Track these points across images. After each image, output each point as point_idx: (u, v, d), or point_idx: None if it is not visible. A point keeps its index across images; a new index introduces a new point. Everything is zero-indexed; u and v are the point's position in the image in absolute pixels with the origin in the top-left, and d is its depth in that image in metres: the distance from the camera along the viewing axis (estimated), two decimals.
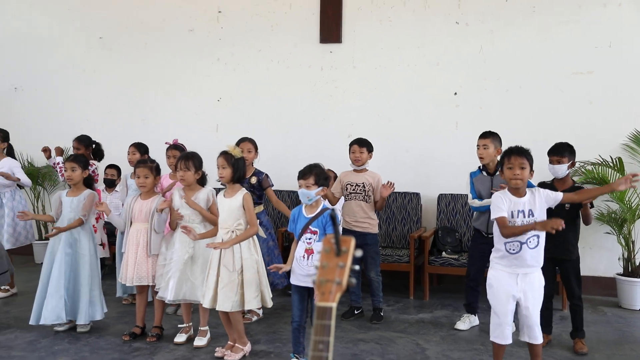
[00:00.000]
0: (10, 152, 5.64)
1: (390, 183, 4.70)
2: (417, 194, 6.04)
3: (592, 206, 4.12)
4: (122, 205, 6.45)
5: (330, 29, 6.32)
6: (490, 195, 4.45)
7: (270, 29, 6.54)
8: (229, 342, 3.98)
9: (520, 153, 3.33)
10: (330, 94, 6.39)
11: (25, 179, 5.60)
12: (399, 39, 6.16)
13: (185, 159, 4.08)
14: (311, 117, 6.43)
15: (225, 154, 3.87)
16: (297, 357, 3.68)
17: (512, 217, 3.33)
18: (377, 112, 6.25)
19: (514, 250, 3.33)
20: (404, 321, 4.85)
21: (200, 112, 6.81)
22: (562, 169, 4.12)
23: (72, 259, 4.37)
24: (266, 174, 4.86)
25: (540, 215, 3.34)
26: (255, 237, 4.00)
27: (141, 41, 6.97)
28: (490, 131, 4.52)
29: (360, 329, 4.65)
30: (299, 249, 3.61)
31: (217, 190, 4.28)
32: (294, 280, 3.63)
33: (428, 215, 6.11)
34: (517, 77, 5.84)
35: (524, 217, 3.33)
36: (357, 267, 1.53)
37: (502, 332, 3.39)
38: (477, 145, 4.53)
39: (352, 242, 1.55)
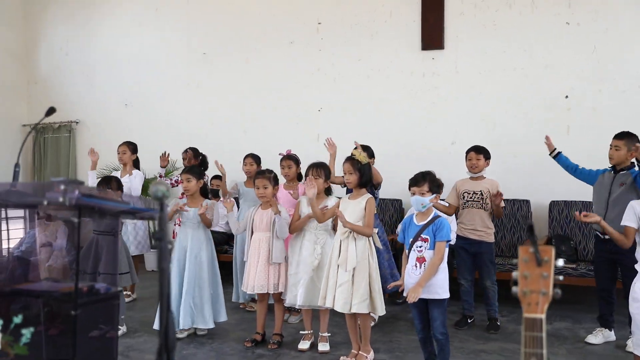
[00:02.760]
0: (137, 165, 5.95)
1: (499, 193, 4.65)
2: (527, 201, 5.86)
3: None
4: (227, 214, 6.71)
5: (432, 35, 6.27)
6: (608, 193, 4.29)
7: (370, 38, 6.57)
8: (352, 351, 4.00)
9: None
10: (432, 101, 6.33)
11: (135, 187, 5.77)
12: (504, 43, 6.02)
13: (317, 167, 4.17)
14: (413, 124, 6.39)
15: (351, 160, 3.91)
16: None
17: None
18: (481, 117, 6.13)
19: None
20: None
21: (300, 122, 6.93)
22: None
23: (195, 267, 4.53)
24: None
25: None
26: (372, 242, 4.00)
27: (243, 54, 7.20)
28: (627, 132, 4.30)
29: (478, 339, 4.55)
30: (410, 259, 3.55)
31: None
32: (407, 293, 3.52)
33: (539, 223, 5.90)
34: (636, 77, 5.55)
35: None
36: (561, 278, 1.49)
37: None
38: (610, 145, 4.36)
39: (553, 251, 1.51)
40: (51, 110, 2.36)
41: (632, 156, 4.24)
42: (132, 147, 5.91)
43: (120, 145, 5.98)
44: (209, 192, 5.07)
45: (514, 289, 1.48)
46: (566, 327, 4.84)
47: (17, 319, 1.48)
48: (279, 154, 5.20)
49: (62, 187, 1.64)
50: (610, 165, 4.44)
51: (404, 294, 3.54)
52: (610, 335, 4.41)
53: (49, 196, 1.68)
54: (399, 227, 5.76)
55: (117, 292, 1.98)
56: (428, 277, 3.41)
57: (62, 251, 4.95)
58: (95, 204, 1.76)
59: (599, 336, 4.38)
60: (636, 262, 3.30)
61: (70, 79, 8.20)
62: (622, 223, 3.34)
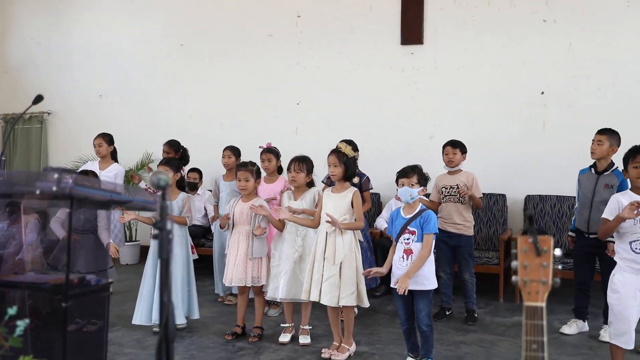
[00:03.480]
0: (114, 156, 5.81)
1: (464, 189, 4.77)
2: (503, 196, 5.95)
3: None
4: (205, 208, 6.67)
5: (412, 30, 6.30)
6: (592, 194, 4.35)
7: (350, 32, 6.57)
8: (334, 343, 4.01)
9: None
10: (411, 95, 6.37)
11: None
12: (483, 39, 6.09)
13: (299, 161, 4.15)
14: (392, 119, 6.42)
15: (337, 153, 3.92)
16: (411, 357, 3.68)
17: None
18: (460, 113, 6.19)
19: (638, 249, 3.22)
20: (501, 324, 4.78)
21: (279, 115, 6.90)
22: None
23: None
24: (368, 177, 4.90)
25: None
26: (357, 235, 4.02)
27: (221, 47, 7.13)
28: (609, 128, 4.38)
29: (457, 331, 4.61)
30: (397, 251, 3.60)
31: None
32: (395, 284, 3.58)
33: (514, 217, 6.00)
34: (610, 75, 5.68)
35: None
36: (559, 267, 1.52)
37: (629, 338, 3.27)
38: (592, 141, 4.41)
39: (552, 241, 1.54)
40: (38, 99, 2.30)
41: (613, 152, 4.32)
42: (107, 138, 5.78)
43: (95, 138, 5.86)
44: (185, 185, 5.02)
45: (514, 278, 1.51)
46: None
47: (12, 311, 1.44)
48: (259, 147, 5.18)
49: (55, 175, 1.60)
50: (591, 164, 4.49)
51: (392, 284, 3.57)
52: (584, 326, 4.52)
53: (41, 185, 1.64)
54: (377, 220, 5.83)
55: (108, 284, 1.94)
56: (416, 269, 3.45)
57: (33, 245, 4.84)
58: (89, 194, 1.72)
59: (573, 327, 4.48)
60: None
61: (42, 69, 8.01)
62: (603, 215, 3.42)
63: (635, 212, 3.13)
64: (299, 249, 4.14)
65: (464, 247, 4.85)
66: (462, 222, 4.86)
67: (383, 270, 3.64)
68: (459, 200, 4.85)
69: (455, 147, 4.93)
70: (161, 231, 1.48)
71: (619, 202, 3.32)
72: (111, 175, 5.53)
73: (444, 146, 5.00)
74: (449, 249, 4.88)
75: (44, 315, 2.00)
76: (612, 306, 3.32)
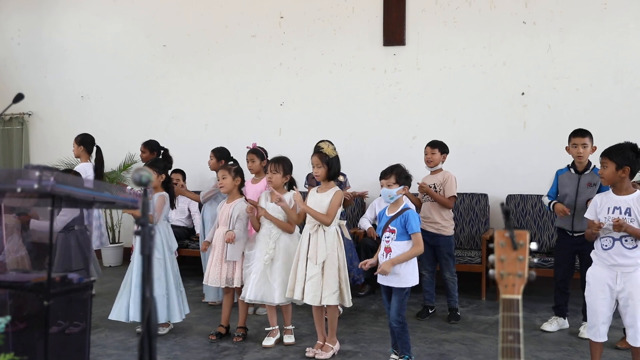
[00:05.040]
0: (99, 156, 5.70)
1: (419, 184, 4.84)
2: (485, 195, 6.01)
3: None
4: (188, 209, 6.66)
5: (394, 31, 6.35)
6: (576, 194, 4.41)
7: (332, 33, 6.60)
8: (318, 342, 4.03)
9: (602, 154, 3.40)
10: (394, 96, 6.42)
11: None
12: (464, 40, 6.16)
13: (276, 161, 4.16)
14: (375, 119, 6.46)
15: (319, 153, 3.94)
16: (395, 353, 3.72)
17: (608, 212, 3.31)
18: (442, 113, 6.25)
19: (606, 246, 3.30)
20: (483, 322, 4.84)
21: (262, 116, 6.91)
22: None
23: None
24: (345, 177, 4.94)
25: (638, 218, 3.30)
26: (341, 234, 4.05)
27: (204, 48, 7.12)
28: (585, 129, 4.42)
29: (440, 329, 4.65)
30: (380, 248, 3.69)
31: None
32: (380, 280, 3.68)
33: (496, 217, 6.07)
34: (588, 75, 5.78)
35: (620, 214, 3.29)
36: (535, 260, 1.56)
37: (598, 330, 3.34)
38: (575, 144, 4.40)
39: (527, 235, 1.57)
40: (19, 97, 2.28)
41: (593, 151, 4.37)
42: (79, 139, 5.68)
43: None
44: (172, 188, 4.99)
45: (491, 271, 1.54)
46: (522, 315, 4.98)
47: None
48: (246, 147, 5.19)
49: (37, 173, 1.59)
50: (569, 164, 4.53)
51: (378, 281, 3.67)
52: (564, 323, 4.59)
53: (22, 183, 1.63)
54: (361, 220, 5.86)
55: (90, 282, 1.93)
56: (404, 259, 3.55)
57: (14, 246, 4.79)
58: (71, 192, 1.72)
59: (554, 324, 4.54)
60: None
61: (22, 69, 7.92)
62: (585, 215, 3.50)
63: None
64: (270, 251, 4.13)
65: (443, 247, 4.89)
66: (442, 221, 4.88)
67: (373, 260, 3.70)
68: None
69: (434, 147, 4.98)
70: (143, 227, 1.49)
71: (596, 204, 3.40)
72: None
73: (425, 147, 5.04)
74: (429, 248, 4.91)
75: (25, 316, 1.99)
76: (586, 298, 3.42)
